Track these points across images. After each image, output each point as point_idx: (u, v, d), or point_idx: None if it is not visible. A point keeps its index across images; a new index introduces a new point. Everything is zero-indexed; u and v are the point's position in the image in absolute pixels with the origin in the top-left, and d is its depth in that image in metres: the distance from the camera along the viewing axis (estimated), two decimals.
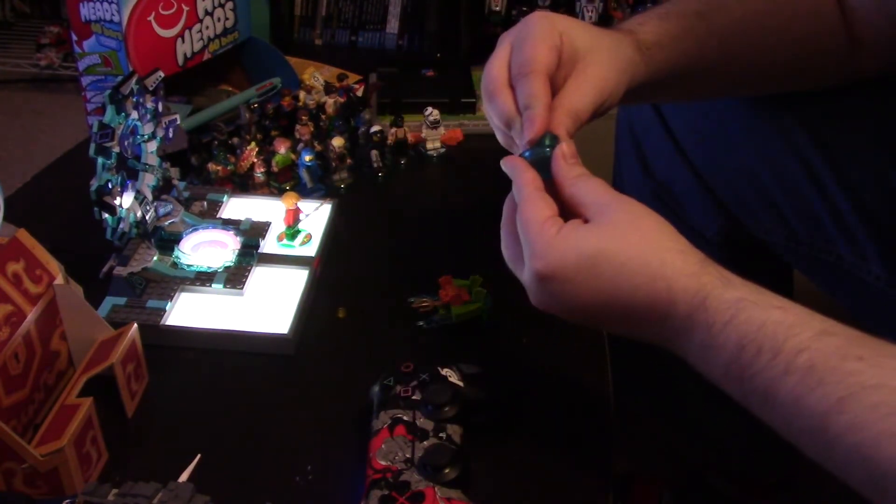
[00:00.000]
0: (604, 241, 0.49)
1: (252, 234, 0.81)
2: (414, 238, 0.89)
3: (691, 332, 0.48)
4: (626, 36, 0.60)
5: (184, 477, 0.58)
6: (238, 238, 0.80)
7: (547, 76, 0.55)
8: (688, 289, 0.48)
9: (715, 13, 0.64)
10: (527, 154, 0.55)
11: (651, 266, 0.48)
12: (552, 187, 0.54)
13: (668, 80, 0.63)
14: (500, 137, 0.59)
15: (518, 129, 0.56)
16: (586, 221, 0.51)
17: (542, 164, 0.54)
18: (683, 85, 0.66)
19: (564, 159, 0.54)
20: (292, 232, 0.82)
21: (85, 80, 0.99)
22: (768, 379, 0.44)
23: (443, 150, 1.04)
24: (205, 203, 0.86)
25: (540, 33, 0.56)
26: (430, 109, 1.02)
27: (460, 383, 0.61)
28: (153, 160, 0.78)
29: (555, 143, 0.54)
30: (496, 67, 0.57)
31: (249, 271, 0.77)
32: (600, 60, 0.57)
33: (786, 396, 0.44)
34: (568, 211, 0.53)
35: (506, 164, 0.56)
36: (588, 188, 0.52)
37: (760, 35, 0.66)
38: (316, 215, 0.86)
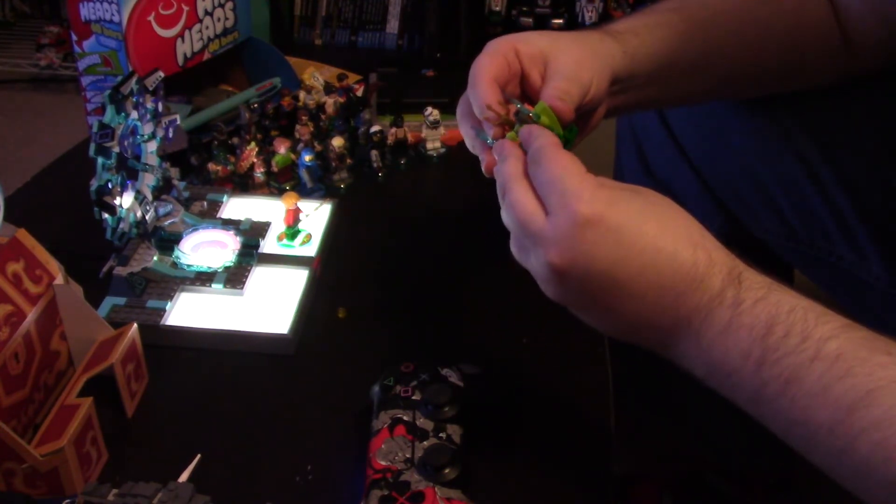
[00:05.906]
0: (648, 203, 0.49)
1: (252, 234, 0.81)
2: (414, 238, 0.89)
3: (716, 310, 0.46)
4: (592, 31, 0.62)
5: (184, 477, 0.58)
6: (238, 238, 0.80)
7: (492, 79, 0.56)
8: (725, 261, 0.48)
9: (691, 7, 0.66)
10: None
11: (694, 234, 0.49)
12: None
13: (654, 73, 0.63)
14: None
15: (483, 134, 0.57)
16: None
17: None
18: (672, 80, 0.66)
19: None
20: (292, 232, 0.82)
21: (85, 80, 0.99)
22: (794, 364, 0.43)
23: (443, 150, 1.04)
24: (205, 203, 0.86)
25: (483, 64, 0.57)
26: (430, 109, 1.02)
27: (460, 383, 0.61)
28: (153, 160, 0.78)
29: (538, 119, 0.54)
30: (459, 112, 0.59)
31: (249, 271, 0.77)
32: (567, 47, 0.58)
33: (811, 385, 0.42)
34: None
35: (518, 136, 0.54)
36: (605, 179, 0.51)
37: (743, 26, 0.67)
38: (316, 215, 0.86)
